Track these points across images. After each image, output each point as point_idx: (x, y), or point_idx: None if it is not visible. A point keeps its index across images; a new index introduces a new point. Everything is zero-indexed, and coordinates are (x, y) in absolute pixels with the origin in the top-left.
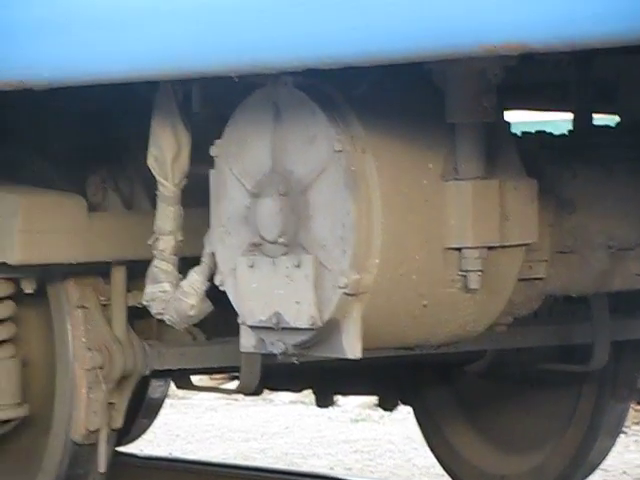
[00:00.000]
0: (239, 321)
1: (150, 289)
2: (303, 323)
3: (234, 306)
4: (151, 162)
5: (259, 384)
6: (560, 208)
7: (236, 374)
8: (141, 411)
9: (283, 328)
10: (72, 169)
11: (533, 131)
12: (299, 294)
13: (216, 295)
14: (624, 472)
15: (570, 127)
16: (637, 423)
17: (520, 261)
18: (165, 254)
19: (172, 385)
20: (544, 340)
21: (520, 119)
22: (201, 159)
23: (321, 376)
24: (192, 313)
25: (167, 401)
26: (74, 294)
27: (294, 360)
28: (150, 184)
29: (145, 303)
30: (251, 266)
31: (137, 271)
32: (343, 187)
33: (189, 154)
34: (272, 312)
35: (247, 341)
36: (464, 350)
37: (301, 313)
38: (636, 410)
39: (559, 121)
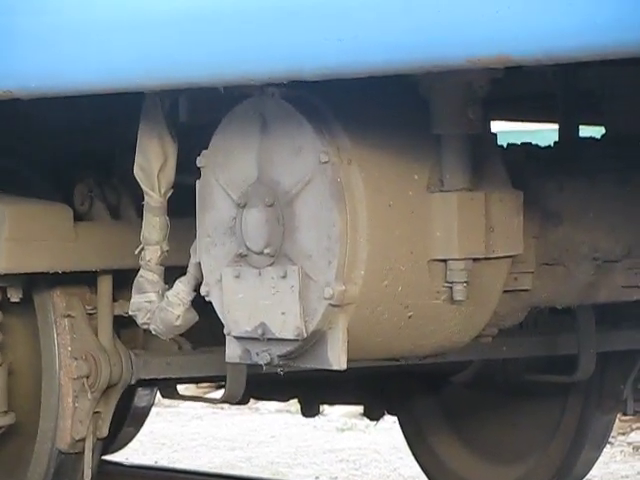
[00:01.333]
0: (225, 331)
1: (136, 299)
2: (288, 334)
3: (220, 316)
4: (137, 172)
5: (245, 393)
6: (546, 220)
7: (222, 383)
8: (127, 420)
9: (269, 339)
10: (59, 178)
11: (519, 143)
12: (285, 305)
13: (202, 305)
14: None
15: (556, 138)
16: (623, 434)
17: (506, 273)
18: (151, 264)
19: (158, 394)
20: (530, 351)
21: (506, 129)
22: (188, 169)
23: (307, 385)
24: (178, 323)
25: (153, 409)
26: (60, 303)
27: (279, 371)
28: (137, 194)
29: (131, 313)
30: (237, 277)
31: (123, 281)
32: (329, 198)
33: (175, 164)
34: (258, 323)
35: (233, 351)
36: (450, 360)
37: (287, 324)
38: (622, 421)
39: (546, 131)
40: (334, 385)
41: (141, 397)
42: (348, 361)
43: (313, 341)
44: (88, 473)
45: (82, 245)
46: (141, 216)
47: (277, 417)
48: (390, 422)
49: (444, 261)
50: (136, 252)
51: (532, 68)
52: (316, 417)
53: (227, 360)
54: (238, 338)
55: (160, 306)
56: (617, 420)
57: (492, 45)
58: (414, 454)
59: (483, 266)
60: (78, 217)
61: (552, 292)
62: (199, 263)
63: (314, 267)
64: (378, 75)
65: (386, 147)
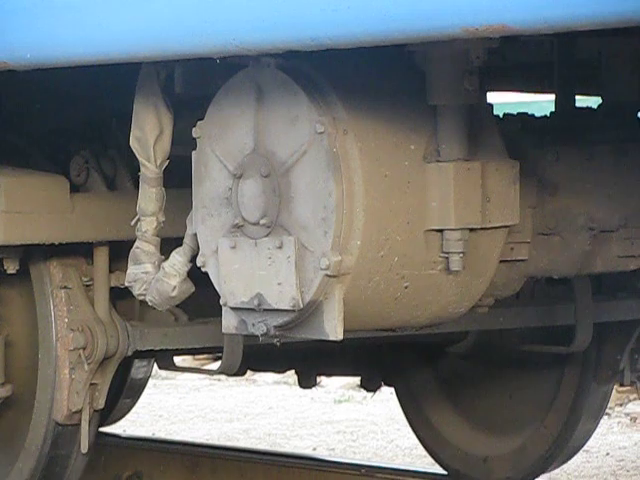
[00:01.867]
0: (221, 302)
1: (132, 270)
2: (285, 304)
3: (216, 287)
4: (133, 143)
5: (242, 365)
6: (542, 190)
7: (219, 354)
8: (124, 391)
9: (265, 309)
10: (55, 150)
11: (515, 113)
12: (281, 275)
13: (198, 276)
14: (607, 454)
15: (552, 108)
16: (620, 405)
17: (502, 243)
18: (147, 235)
19: (155, 365)
20: (526, 322)
21: (502, 100)
22: (183, 140)
23: (304, 357)
24: (174, 294)
25: (150, 381)
26: (57, 274)
27: (276, 341)
28: (133, 165)
29: (127, 284)
30: (233, 247)
31: (120, 252)
32: (325, 168)
33: (171, 135)
34: (254, 293)
35: (229, 322)
36: (446, 331)
37: (283, 294)
38: (619, 392)
39: (543, 102)
40: (331, 356)
41: (138, 369)
42: (344, 331)
43: (309, 312)
44: (85, 444)
45: (78, 216)
46: (137, 187)
47: (274, 389)
48: (387, 393)
49: (440, 231)
50: (132, 223)
51: (529, 38)
52: (313, 389)
53: (223, 331)
54: (234, 309)
55: (156, 277)
56: (614, 391)
57: (489, 14)
58: (411, 425)
59: (479, 236)
60: (74, 188)
61: (549, 262)
62: (195, 234)
63: (310, 237)
64: (373, 45)
65: (382, 117)
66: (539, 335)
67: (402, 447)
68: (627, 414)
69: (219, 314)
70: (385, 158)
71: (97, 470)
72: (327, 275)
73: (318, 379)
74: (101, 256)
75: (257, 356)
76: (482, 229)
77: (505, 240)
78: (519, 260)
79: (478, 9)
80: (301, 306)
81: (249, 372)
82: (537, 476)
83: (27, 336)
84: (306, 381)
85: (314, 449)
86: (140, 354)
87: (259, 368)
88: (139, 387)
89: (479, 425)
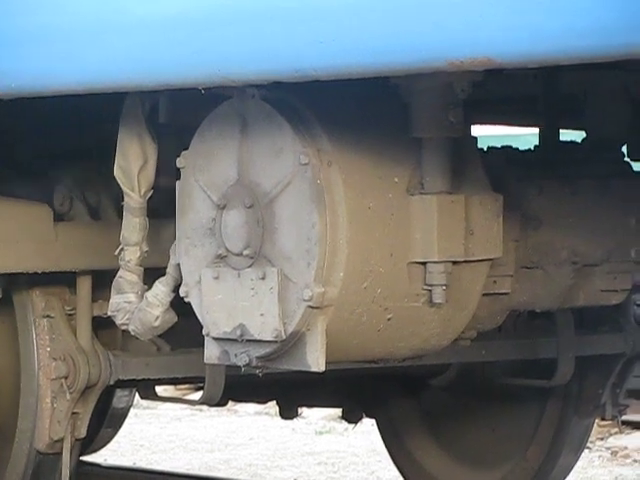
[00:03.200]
0: (204, 332)
1: (115, 299)
2: (267, 335)
3: (199, 317)
4: (117, 173)
5: (223, 395)
6: (525, 223)
7: (201, 384)
8: (105, 421)
9: (247, 340)
10: (38, 178)
11: (499, 146)
12: (264, 306)
13: (181, 306)
14: None
15: (537, 141)
16: (601, 439)
17: (485, 276)
18: (130, 265)
19: (137, 395)
20: (508, 355)
21: (487, 133)
22: (167, 171)
23: (285, 388)
24: (156, 324)
25: (132, 411)
26: (39, 303)
27: (258, 372)
28: (117, 194)
29: (110, 313)
30: (216, 278)
31: (103, 281)
32: (309, 200)
33: (155, 165)
34: (236, 324)
35: (211, 352)
36: (428, 364)
37: (265, 325)
38: (600, 426)
39: (527, 135)
40: (313, 387)
41: (119, 398)
42: (327, 363)
43: (292, 343)
44: (66, 474)
45: (62, 245)
46: (121, 217)
47: (256, 419)
48: (368, 425)
49: (423, 264)
50: (116, 253)
51: (513, 71)
52: (294, 419)
53: (206, 361)
54: (217, 339)
55: (139, 307)
56: (595, 425)
57: (474, 48)
58: (392, 457)
59: (462, 269)
60: (58, 217)
61: (531, 295)
62: (178, 264)
63: (293, 269)
64: (358, 77)
65: (366, 149)
66: (521, 368)
67: (383, 479)
68: (608, 448)
69: (201, 344)
70: (369, 190)
71: None
72: (310, 306)
73: (299, 410)
74: (84, 285)
75: (239, 386)
76: (465, 262)
77: (488, 273)
78: (502, 293)
79: (462, 42)
80: (284, 337)
81: (230, 402)
82: None
83: (9, 365)
84: (287, 412)
85: None
86: (122, 383)
87: (241, 398)
88: (121, 416)
89: (461, 458)
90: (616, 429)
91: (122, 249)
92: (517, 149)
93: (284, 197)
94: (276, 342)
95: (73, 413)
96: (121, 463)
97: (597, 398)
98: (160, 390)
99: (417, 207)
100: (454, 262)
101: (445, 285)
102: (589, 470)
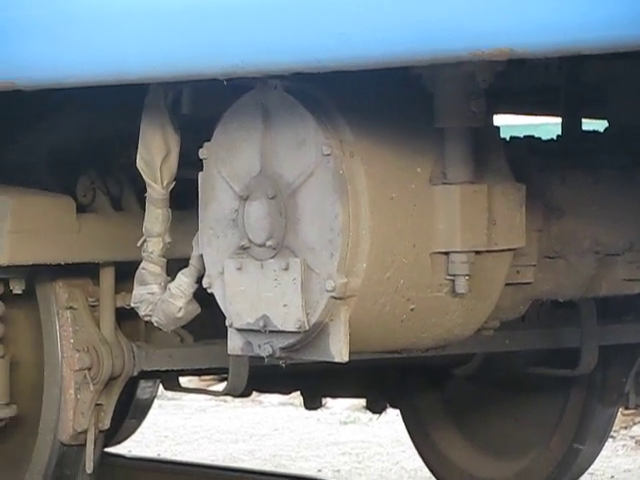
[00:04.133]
0: (227, 324)
1: (138, 291)
2: (290, 326)
3: (222, 309)
4: (140, 164)
5: (247, 386)
6: (548, 213)
7: (225, 375)
8: (129, 412)
9: (270, 331)
10: (61, 170)
11: (522, 136)
12: (287, 297)
13: (204, 297)
14: (612, 477)
15: (559, 131)
16: (625, 428)
17: (508, 266)
18: (153, 256)
19: (161, 386)
20: (532, 344)
21: (509, 123)
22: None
23: (309, 378)
24: (180, 315)
25: (156, 402)
26: (63, 295)
27: (281, 363)
28: (139, 186)
29: (133, 305)
30: (239, 269)
31: (126, 272)
32: (331, 191)
33: (178, 156)
34: (259, 315)
35: (234, 344)
36: (452, 353)
37: (288, 316)
38: (624, 415)
39: (549, 124)
40: (336, 378)
41: (143, 389)
42: (350, 353)
43: (315, 333)
44: (90, 465)
45: (85, 237)
46: (143, 208)
47: (280, 410)
48: (393, 415)
49: (446, 254)
50: (138, 244)
51: (535, 61)
52: (319, 410)
53: (229, 352)
54: (240, 330)
55: (162, 298)
56: (619, 414)
57: (495, 38)
58: (416, 447)
59: (485, 259)
60: (81, 209)
61: (554, 285)
62: (201, 255)
63: (316, 259)
64: (380, 68)
65: (389, 140)
66: (545, 358)
67: (407, 469)
68: (632, 437)
69: (225, 335)
70: (391, 181)
71: None
72: (333, 297)
73: (324, 400)
74: (107, 277)
75: (263, 377)
76: (488, 252)
77: (511, 263)
78: (525, 283)
79: (485, 32)
80: (307, 328)
81: (255, 393)
82: None
83: (33, 356)
84: (312, 402)
85: (319, 470)
86: (146, 375)
87: (265, 389)
88: (144, 408)
89: (484, 447)
90: None
91: (145, 240)
92: (539, 139)
93: (307, 188)
94: (299, 333)
95: (97, 404)
96: (145, 454)
97: (621, 387)
98: (184, 381)
99: (440, 197)
100: (477, 252)
101: (468, 275)
102: (613, 459)
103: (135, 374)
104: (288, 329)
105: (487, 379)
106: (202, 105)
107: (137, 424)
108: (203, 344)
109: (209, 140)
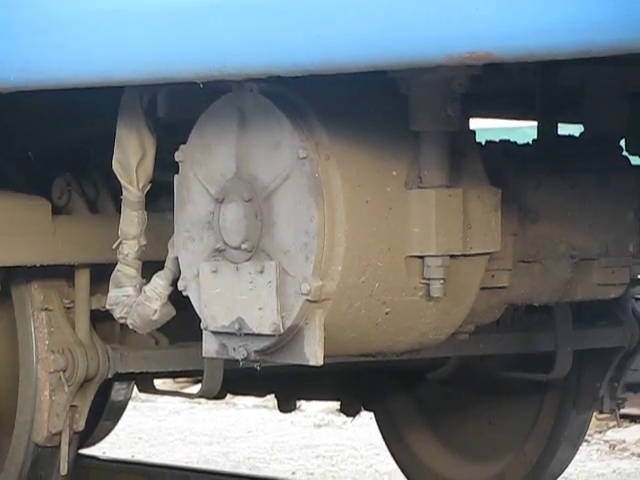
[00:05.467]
0: (202, 326)
1: (113, 293)
2: (265, 329)
3: (197, 311)
4: (116, 166)
5: (222, 388)
6: (523, 217)
7: (199, 378)
8: (104, 414)
9: (245, 334)
10: (37, 172)
11: (497, 140)
12: (262, 300)
13: (179, 300)
14: None
15: (535, 135)
16: (599, 432)
17: (483, 270)
18: (129, 258)
19: (135, 388)
20: (506, 348)
21: (485, 126)
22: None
23: (284, 381)
24: (155, 318)
25: (130, 404)
26: (38, 296)
27: (256, 366)
28: (115, 188)
29: (108, 307)
30: (214, 271)
31: (101, 275)
32: (307, 194)
33: (154, 159)
34: (234, 318)
35: (209, 346)
36: (427, 357)
37: (263, 319)
38: (598, 419)
39: (525, 128)
40: (311, 381)
41: (118, 391)
42: (325, 357)
43: (290, 336)
44: (64, 467)
45: (60, 239)
46: (119, 210)
47: (254, 412)
48: (367, 418)
49: (421, 257)
50: (114, 246)
51: (511, 65)
52: (293, 413)
53: (204, 355)
54: (215, 333)
55: (137, 300)
56: (594, 418)
57: (471, 42)
58: (390, 450)
59: (460, 263)
60: (56, 211)
61: (529, 289)
62: (177, 258)
63: (291, 262)
64: (356, 71)
65: (364, 143)
66: (519, 362)
67: (381, 472)
68: (606, 441)
69: (199, 338)
70: (367, 184)
71: None
72: (308, 300)
73: (298, 403)
74: (82, 278)
75: (237, 380)
76: (463, 256)
77: (486, 267)
78: (500, 287)
79: (462, 37)
80: (282, 331)
81: (229, 395)
82: None
83: (8, 357)
84: (286, 405)
85: (293, 473)
86: (120, 377)
87: (239, 392)
88: (119, 409)
89: (459, 451)
90: (614, 422)
91: (120, 243)
92: (515, 143)
93: (282, 191)
94: (274, 336)
95: (71, 406)
96: (119, 456)
97: (595, 391)
98: (158, 383)
99: (415, 201)
100: (452, 256)
101: (443, 279)
102: (587, 463)
103: (110, 376)
104: (263, 332)
105: (462, 383)
106: (178, 108)
107: (111, 426)
108: (178, 346)
109: (185, 143)
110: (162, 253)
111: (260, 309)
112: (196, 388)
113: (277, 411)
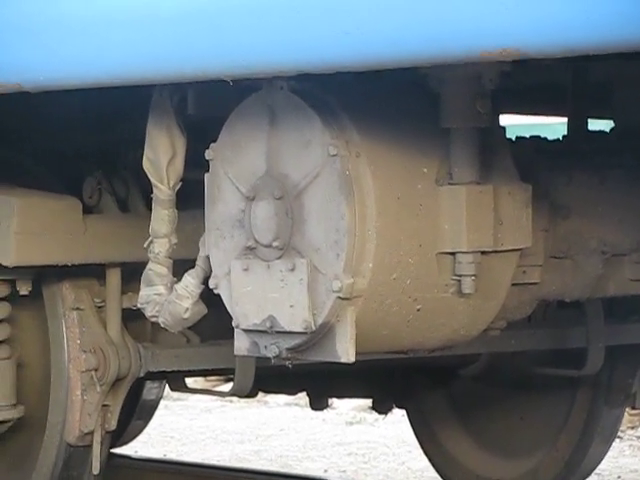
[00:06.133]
0: (233, 324)
1: (145, 292)
2: (297, 327)
3: (228, 309)
4: (146, 165)
5: (253, 386)
6: (554, 213)
7: (231, 376)
8: (136, 413)
9: (277, 332)
10: (68, 171)
11: (528, 136)
12: (293, 298)
13: (210, 298)
14: (619, 477)
15: (565, 131)
16: (632, 428)
17: (514, 266)
18: (160, 257)
19: (167, 387)
20: (538, 344)
21: (515, 123)
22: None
23: (315, 379)
24: (186, 316)
25: (162, 402)
26: (69, 296)
27: (288, 364)
28: (145, 187)
29: (139, 306)
30: (245, 269)
31: (132, 273)
32: (337, 191)
33: (184, 157)
34: (266, 316)
35: (241, 344)
36: (458, 354)
37: (295, 317)
38: (631, 415)
39: (555, 124)
40: (343, 378)
41: (150, 390)
42: (356, 354)
43: (321, 334)
44: (96, 466)
45: (91, 238)
46: (150, 209)
47: (286, 410)
48: (399, 415)
49: (452, 254)
50: (145, 245)
51: (541, 61)
52: (325, 410)
53: (235, 353)
54: (246, 331)
55: (169, 299)
56: (626, 414)
57: (504, 38)
58: (422, 447)
59: (491, 259)
60: (87, 210)
61: (560, 285)
62: (208, 256)
63: (322, 260)
64: (386, 68)
65: (395, 140)
66: (551, 358)
67: (413, 469)
68: (639, 437)
69: (231, 336)
70: (397, 181)
71: None
72: (339, 297)
73: (330, 401)
74: (113, 277)
75: (269, 378)
76: (494, 252)
77: (517, 263)
78: (531, 283)
79: (493, 33)
80: (313, 328)
81: (261, 394)
82: None
83: (39, 357)
84: (318, 403)
85: (325, 471)
86: (152, 375)
87: (271, 390)
88: (151, 408)
89: (491, 448)
90: None
91: (151, 241)
92: (546, 139)
93: (313, 188)
94: (306, 333)
95: (103, 405)
96: (151, 455)
97: (627, 387)
98: (190, 382)
99: (446, 198)
100: (483, 252)
101: (474, 275)
102: (620, 459)
103: (141, 375)
104: (295, 330)
105: (493, 379)
106: (208, 106)
107: (143, 425)
108: (209, 345)
109: (215, 141)
110: (193, 251)
111: (291, 307)
112: (228, 386)
113: (309, 409)
